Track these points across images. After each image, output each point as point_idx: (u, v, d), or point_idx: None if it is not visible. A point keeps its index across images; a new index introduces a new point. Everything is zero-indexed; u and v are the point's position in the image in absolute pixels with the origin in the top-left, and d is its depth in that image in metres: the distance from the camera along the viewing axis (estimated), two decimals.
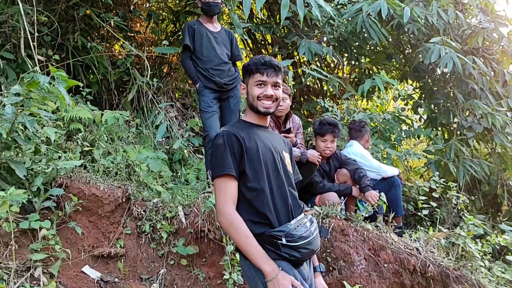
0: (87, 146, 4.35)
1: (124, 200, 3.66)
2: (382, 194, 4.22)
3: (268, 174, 2.27)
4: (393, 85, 6.36)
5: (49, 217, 3.28)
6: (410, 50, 7.18)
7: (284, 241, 2.13)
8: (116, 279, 3.31)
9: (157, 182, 4.20)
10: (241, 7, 5.83)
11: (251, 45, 7.73)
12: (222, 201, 2.16)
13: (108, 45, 6.38)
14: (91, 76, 5.91)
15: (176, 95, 6.60)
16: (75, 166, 3.55)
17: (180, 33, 6.06)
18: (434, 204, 4.66)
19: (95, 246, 3.43)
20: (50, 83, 3.35)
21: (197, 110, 6.35)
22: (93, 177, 3.68)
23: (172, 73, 6.64)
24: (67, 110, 4.62)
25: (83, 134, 4.48)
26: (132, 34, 6.57)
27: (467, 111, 6.48)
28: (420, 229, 4.51)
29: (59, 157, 3.64)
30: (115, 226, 3.59)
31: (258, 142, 2.31)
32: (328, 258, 3.67)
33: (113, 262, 3.42)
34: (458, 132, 6.41)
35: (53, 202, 3.33)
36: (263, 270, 2.07)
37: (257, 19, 7.33)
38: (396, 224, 4.40)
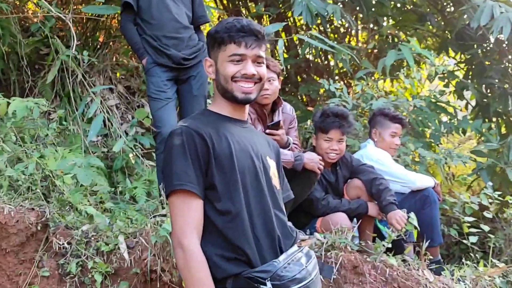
0: None
1: (39, 228, 3.67)
2: (412, 214, 4.26)
3: (245, 190, 2.20)
4: (428, 58, 6.44)
5: None
6: (452, 8, 7.26)
7: (269, 285, 2.07)
8: None
9: (88, 201, 4.21)
10: None
11: (225, 1, 7.76)
12: (180, 229, 2.10)
13: (18, 3, 6.37)
14: None
15: (118, 74, 6.64)
16: None
17: None
18: (487, 228, 4.73)
19: None
20: None
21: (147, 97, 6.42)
22: None
23: (111, 43, 6.67)
24: None
25: None
26: None
27: None
28: (467, 264, 4.57)
29: None
30: (26, 265, 3.60)
31: (232, 143, 2.23)
32: None
33: None
34: None
35: None
36: None
37: None
38: (432, 257, 4.45)
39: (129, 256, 3.66)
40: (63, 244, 3.66)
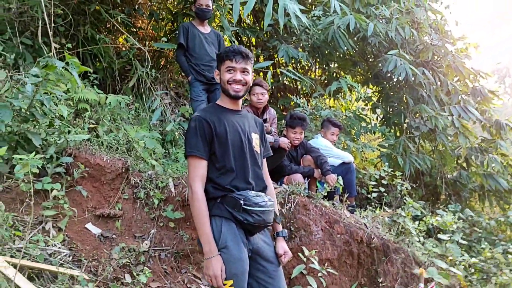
0: (93, 124, 4.44)
1: (123, 170, 3.74)
2: (340, 177, 4.42)
3: (234, 155, 2.27)
4: (356, 88, 6.57)
5: (59, 181, 3.36)
6: (372, 59, 7.33)
7: (241, 203, 2.16)
8: (114, 236, 3.43)
9: (151, 157, 4.31)
10: (230, 13, 5.94)
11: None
12: (191, 178, 2.18)
13: (113, 37, 6.40)
14: (98, 64, 5.96)
15: (171, 85, 6.64)
16: (83, 139, 3.66)
17: (177, 31, 6.13)
18: (383, 189, 4.88)
19: (97, 207, 3.52)
20: (64, 68, 3.47)
21: (188, 99, 6.45)
22: (97, 150, 3.76)
23: (168, 66, 6.71)
24: (76, 92, 4.69)
25: (89, 113, 4.57)
26: (135, 30, 6.63)
27: (416, 114, 6.68)
28: (369, 209, 4.74)
29: (69, 132, 3.73)
30: (114, 191, 3.67)
31: (227, 126, 2.28)
32: (291, 227, 3.82)
33: (111, 221, 3.52)
34: (408, 131, 6.61)
35: (63, 168, 3.42)
36: (204, 248, 2.11)
37: (244, 24, 7.43)
38: (349, 203, 4.62)
39: (175, 190, 3.77)
40: (136, 181, 3.77)
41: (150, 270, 3.26)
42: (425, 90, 6.39)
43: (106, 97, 4.88)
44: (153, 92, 5.93)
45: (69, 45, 4.91)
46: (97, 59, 5.90)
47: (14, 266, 2.48)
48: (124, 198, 3.69)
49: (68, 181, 3.46)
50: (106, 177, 3.64)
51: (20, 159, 2.78)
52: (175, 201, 3.76)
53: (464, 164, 7.09)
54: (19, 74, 3.43)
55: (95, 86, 5.10)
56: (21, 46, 4.72)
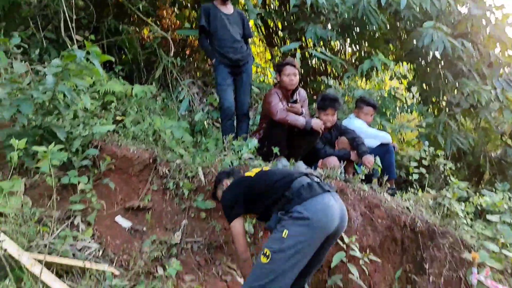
0: (119, 115, 4.36)
1: (151, 161, 3.64)
2: (378, 158, 4.18)
3: None
4: (390, 66, 6.27)
5: (86, 174, 3.29)
6: (406, 35, 7.01)
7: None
8: (145, 228, 3.32)
9: (180, 146, 4.17)
10: None
11: (263, 31, 7.62)
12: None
13: (137, 29, 6.34)
14: (123, 56, 5.90)
15: (198, 74, 6.54)
16: (109, 130, 3.57)
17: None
18: (424, 171, 4.62)
19: (126, 200, 3.44)
20: (86, 59, 3.35)
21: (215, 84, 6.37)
22: (124, 141, 3.69)
23: (194, 55, 6.61)
24: (102, 84, 4.63)
25: (116, 105, 4.49)
26: (159, 19, 6.52)
27: (456, 90, 6.34)
28: (411, 191, 4.49)
29: (95, 123, 3.64)
30: (143, 183, 3.58)
31: None
32: None
33: (141, 214, 3.42)
34: (447, 109, 6.31)
35: (89, 161, 3.34)
36: None
37: (269, 7, 7.21)
38: (389, 186, 4.37)
39: (204, 179, 3.64)
40: (165, 171, 3.65)
41: (181, 263, 3.13)
42: (465, 64, 6.03)
43: (132, 88, 4.80)
44: (180, 82, 5.82)
45: (92, 37, 4.85)
46: (122, 52, 5.84)
47: (41, 262, 2.38)
48: (153, 190, 3.59)
49: (95, 174, 3.39)
50: (134, 168, 3.56)
51: (45, 152, 2.69)
52: (205, 190, 3.63)
53: (509, 141, 6.75)
54: (40, 66, 3.34)
55: (120, 78, 5.03)
56: (45, 41, 4.67)
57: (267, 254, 2.27)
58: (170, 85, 5.84)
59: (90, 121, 3.54)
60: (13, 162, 2.64)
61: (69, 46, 4.57)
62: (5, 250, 2.28)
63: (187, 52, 6.64)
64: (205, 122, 5.55)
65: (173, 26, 6.54)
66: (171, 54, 5.60)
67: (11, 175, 3.03)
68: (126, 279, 2.76)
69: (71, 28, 4.51)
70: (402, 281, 3.67)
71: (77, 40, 4.54)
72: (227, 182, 2.88)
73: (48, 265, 2.45)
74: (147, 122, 4.31)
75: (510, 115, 6.04)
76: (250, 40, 4.88)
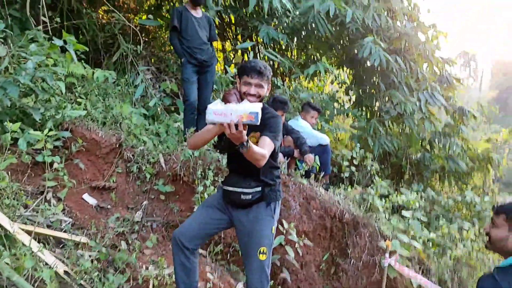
0: (81, 98, 4.58)
1: (117, 145, 3.95)
2: (317, 157, 4.77)
3: None
4: (332, 71, 6.87)
5: (58, 154, 3.58)
6: (348, 43, 7.57)
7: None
8: (109, 206, 3.67)
9: (141, 133, 4.51)
10: None
11: (217, 24, 7.93)
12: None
13: (94, 10, 6.43)
14: (81, 37, 6.01)
15: (152, 60, 6.76)
16: (80, 115, 3.85)
17: (159, 7, 6.22)
18: (354, 169, 5.27)
19: (93, 179, 3.75)
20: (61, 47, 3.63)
21: (169, 75, 6.63)
22: (92, 125, 3.96)
23: (151, 42, 6.81)
24: (63, 66, 4.81)
25: (78, 88, 4.69)
26: (118, 2, 6.65)
27: (387, 98, 7.06)
28: (341, 187, 5.12)
29: (65, 107, 3.91)
30: (109, 165, 3.89)
31: None
32: None
33: (106, 193, 3.75)
34: (378, 114, 7.00)
35: (61, 142, 3.64)
36: None
37: (226, 3, 7.55)
38: (324, 181, 4.97)
39: (165, 165, 4.01)
40: (129, 155, 3.99)
41: (142, 239, 3.55)
42: (396, 77, 6.77)
43: (93, 72, 5.01)
44: (135, 67, 6.04)
45: (58, 19, 5.00)
46: (79, 32, 5.95)
47: (27, 232, 2.73)
48: (118, 172, 3.91)
49: (66, 154, 3.66)
50: (101, 151, 3.86)
51: (28, 133, 2.99)
52: (165, 176, 4.01)
53: (428, 147, 7.61)
54: (17, 51, 3.55)
55: (82, 61, 5.21)
56: (10, 18, 4.77)
57: (265, 252, 2.58)
58: (126, 69, 6.03)
59: (63, 105, 3.80)
60: (7, 142, 2.91)
61: (32, 25, 4.70)
62: None
63: (145, 38, 6.82)
64: (158, 108, 5.84)
65: (133, 11, 6.70)
66: (129, 40, 5.81)
67: None
68: (97, 250, 3.15)
69: (37, 8, 4.64)
70: (328, 263, 4.28)
71: (43, 21, 4.68)
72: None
73: (29, 234, 2.79)
74: (114, 107, 4.55)
75: (429, 125, 6.90)
76: (215, 42, 5.21)
